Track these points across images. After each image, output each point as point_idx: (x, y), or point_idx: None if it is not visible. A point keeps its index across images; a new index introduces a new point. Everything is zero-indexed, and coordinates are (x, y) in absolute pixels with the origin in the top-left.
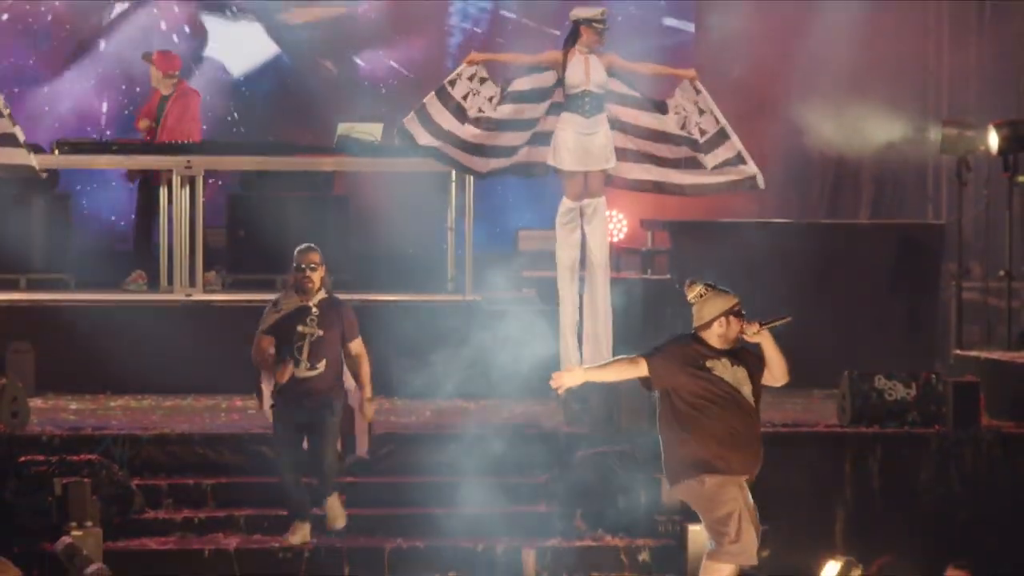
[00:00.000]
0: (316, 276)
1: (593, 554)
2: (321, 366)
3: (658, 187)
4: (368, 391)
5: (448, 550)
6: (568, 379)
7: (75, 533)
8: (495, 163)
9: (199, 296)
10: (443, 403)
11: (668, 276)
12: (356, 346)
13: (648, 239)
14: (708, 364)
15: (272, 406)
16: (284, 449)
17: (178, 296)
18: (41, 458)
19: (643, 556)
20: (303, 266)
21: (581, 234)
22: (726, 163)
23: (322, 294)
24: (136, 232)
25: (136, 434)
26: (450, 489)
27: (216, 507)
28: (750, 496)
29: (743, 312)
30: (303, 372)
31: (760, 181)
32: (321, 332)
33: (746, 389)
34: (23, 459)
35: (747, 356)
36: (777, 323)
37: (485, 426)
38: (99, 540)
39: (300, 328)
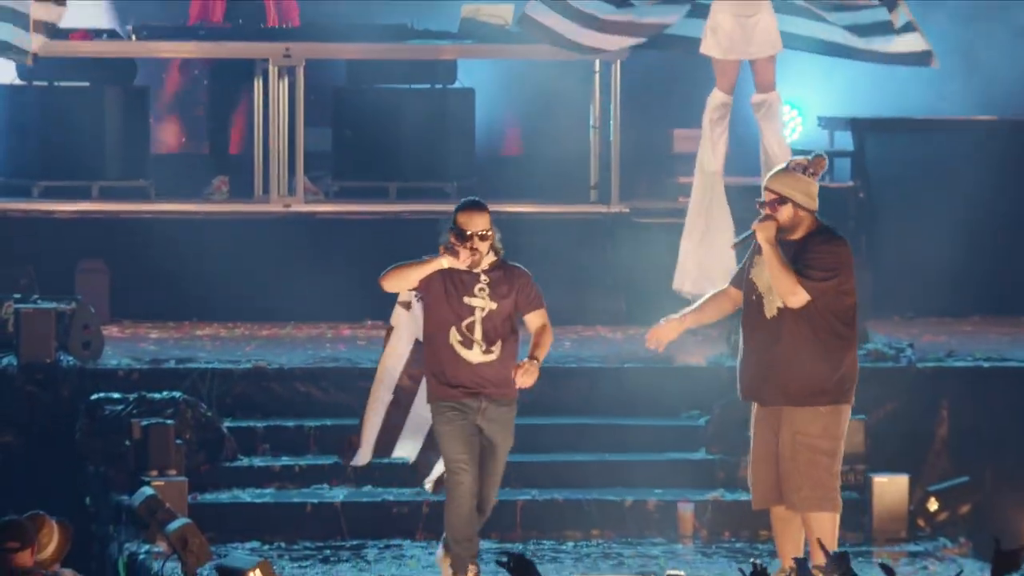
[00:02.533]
0: (486, 246)
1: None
2: (496, 349)
3: (825, 47)
4: (541, 356)
5: (591, 504)
6: (665, 333)
7: (156, 483)
8: (633, 39)
9: (299, 207)
10: (582, 331)
11: (851, 183)
12: (539, 317)
13: (828, 139)
14: (755, 261)
15: (432, 396)
16: (460, 459)
17: (275, 207)
18: (117, 396)
19: None
20: (469, 233)
21: (728, 137)
22: (901, 30)
23: (491, 257)
24: (213, 132)
25: (227, 368)
26: (592, 433)
27: (320, 453)
28: (787, 433)
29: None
30: (477, 356)
31: (935, 60)
32: (495, 305)
33: (771, 299)
34: (96, 397)
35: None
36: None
37: (632, 359)
38: (184, 491)
39: (467, 299)
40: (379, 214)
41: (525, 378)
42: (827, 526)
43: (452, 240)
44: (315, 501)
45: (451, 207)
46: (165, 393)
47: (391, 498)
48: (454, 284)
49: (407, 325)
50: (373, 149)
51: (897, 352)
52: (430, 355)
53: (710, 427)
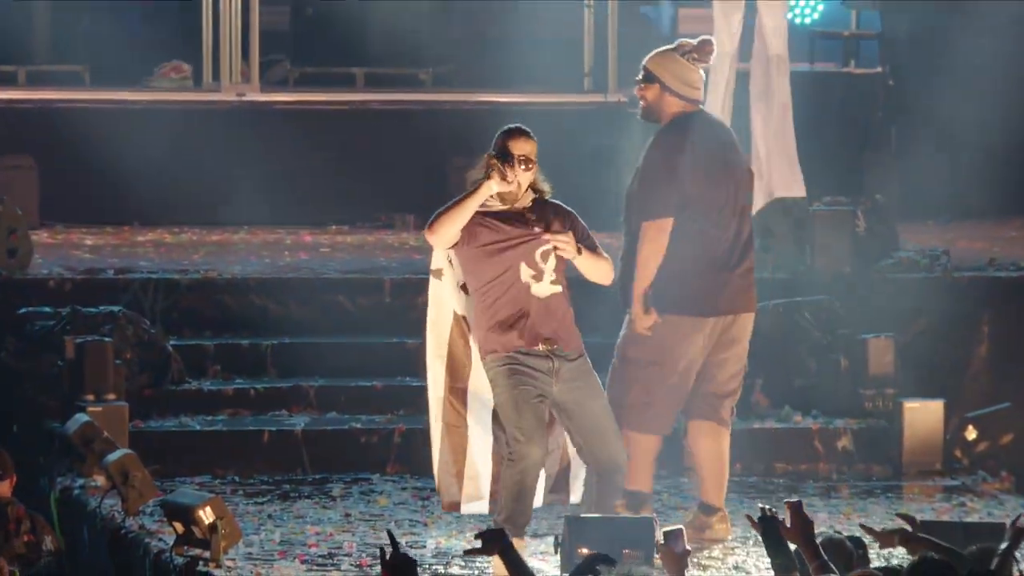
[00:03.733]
0: (528, 178)
1: (777, 440)
2: (562, 280)
3: None
4: (585, 253)
5: None
6: (571, 243)
7: (92, 409)
8: None
9: (254, 96)
10: None
11: (879, 69)
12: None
13: (853, 19)
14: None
15: (494, 352)
16: (529, 419)
17: (227, 96)
18: (48, 310)
19: (843, 442)
20: (512, 155)
21: (744, 14)
22: None
23: (529, 195)
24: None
25: (173, 279)
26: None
27: (278, 376)
28: (743, 344)
29: None
30: (546, 288)
31: None
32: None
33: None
34: (24, 311)
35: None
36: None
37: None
38: (124, 418)
39: (525, 230)
40: (344, 104)
41: (562, 242)
42: None
43: (493, 162)
44: (273, 429)
45: (426, 96)
46: (102, 307)
47: (359, 425)
48: (504, 221)
49: (447, 299)
50: (338, 30)
51: (931, 261)
52: (484, 309)
53: None
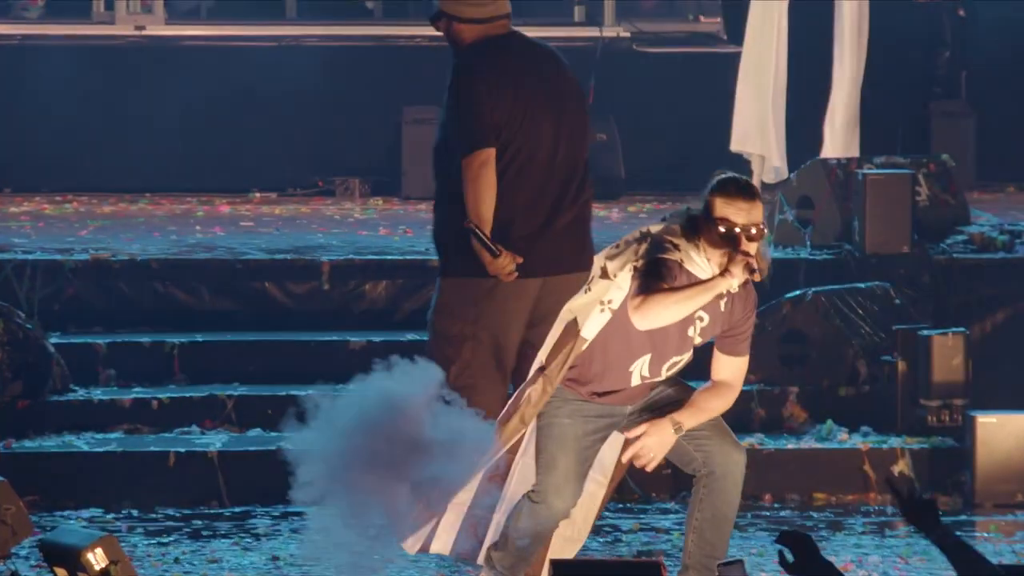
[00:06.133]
0: (756, 250)
1: (818, 463)
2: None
3: None
4: (687, 423)
5: None
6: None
7: None
8: None
9: (157, 30)
10: None
11: None
12: (733, 366)
13: None
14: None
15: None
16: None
17: (123, 29)
18: None
19: (900, 466)
20: (738, 229)
21: None
22: None
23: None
24: None
25: (55, 260)
26: None
27: (188, 383)
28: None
29: None
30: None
31: None
32: (700, 341)
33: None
34: None
35: None
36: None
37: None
38: None
39: (686, 333)
40: (271, 40)
41: (640, 456)
42: None
43: (736, 257)
44: (181, 450)
45: (374, 29)
46: None
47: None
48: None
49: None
50: None
51: (1011, 238)
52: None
53: None
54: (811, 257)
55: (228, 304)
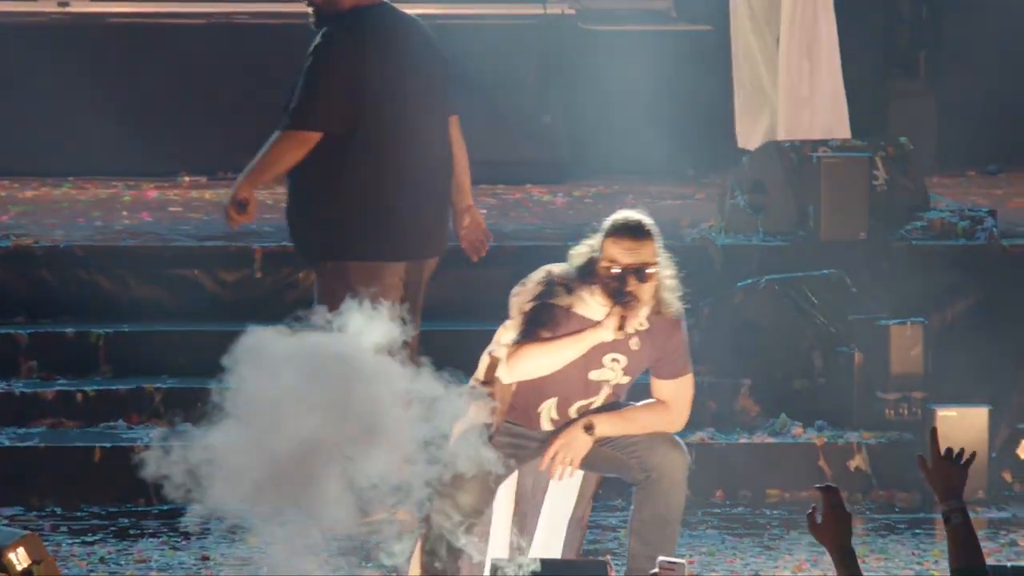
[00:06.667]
0: (648, 292)
1: (771, 459)
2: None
3: None
4: (613, 430)
5: None
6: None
7: None
8: None
9: (82, 6)
10: (508, 192)
11: None
12: (673, 388)
13: None
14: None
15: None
16: None
17: (45, 6)
18: None
19: (857, 461)
20: (623, 268)
21: None
22: None
23: (649, 307)
24: None
25: None
26: None
27: (114, 375)
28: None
29: None
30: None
31: None
32: (626, 380)
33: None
34: None
35: None
36: None
37: (580, 234)
38: None
39: (593, 375)
40: (201, 17)
41: (555, 463)
42: None
43: (615, 308)
44: (107, 446)
45: (305, 7)
46: None
47: None
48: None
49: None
50: None
51: (972, 224)
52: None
53: (696, 336)
54: (764, 244)
55: (156, 293)
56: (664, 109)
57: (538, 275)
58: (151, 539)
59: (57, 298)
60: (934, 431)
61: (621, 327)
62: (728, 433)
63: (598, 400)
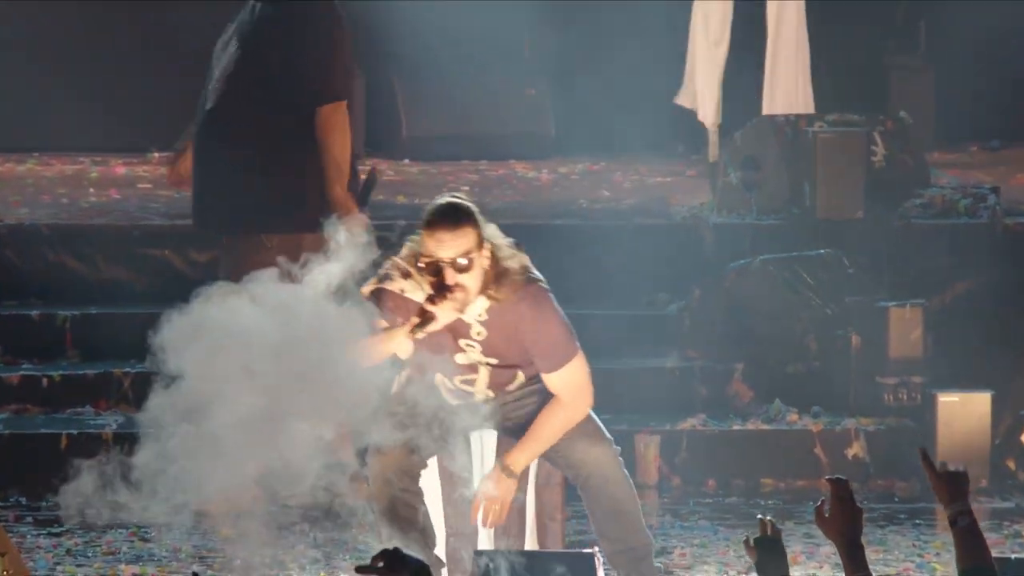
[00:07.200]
0: (472, 279)
1: (765, 446)
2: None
3: None
4: (516, 463)
5: None
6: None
7: None
8: None
9: None
10: (491, 168)
11: None
12: (558, 379)
13: None
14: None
15: None
16: None
17: None
18: None
19: (854, 449)
20: (434, 259)
21: None
22: None
23: (487, 296)
24: None
25: None
26: None
27: (81, 360)
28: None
29: None
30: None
31: None
32: (495, 361)
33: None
34: None
35: None
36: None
37: (568, 213)
38: None
39: (457, 356)
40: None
41: (485, 514)
42: None
43: (418, 275)
44: (74, 432)
45: None
46: None
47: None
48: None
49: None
50: None
51: (974, 201)
52: None
53: (687, 319)
54: (757, 223)
55: (125, 274)
56: (652, 84)
57: (387, 261)
58: (120, 530)
59: (22, 279)
60: (923, 452)
61: (413, 331)
62: (720, 420)
63: (481, 377)
